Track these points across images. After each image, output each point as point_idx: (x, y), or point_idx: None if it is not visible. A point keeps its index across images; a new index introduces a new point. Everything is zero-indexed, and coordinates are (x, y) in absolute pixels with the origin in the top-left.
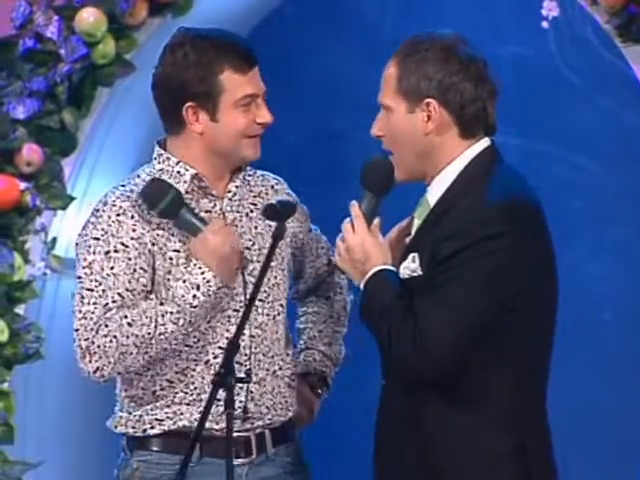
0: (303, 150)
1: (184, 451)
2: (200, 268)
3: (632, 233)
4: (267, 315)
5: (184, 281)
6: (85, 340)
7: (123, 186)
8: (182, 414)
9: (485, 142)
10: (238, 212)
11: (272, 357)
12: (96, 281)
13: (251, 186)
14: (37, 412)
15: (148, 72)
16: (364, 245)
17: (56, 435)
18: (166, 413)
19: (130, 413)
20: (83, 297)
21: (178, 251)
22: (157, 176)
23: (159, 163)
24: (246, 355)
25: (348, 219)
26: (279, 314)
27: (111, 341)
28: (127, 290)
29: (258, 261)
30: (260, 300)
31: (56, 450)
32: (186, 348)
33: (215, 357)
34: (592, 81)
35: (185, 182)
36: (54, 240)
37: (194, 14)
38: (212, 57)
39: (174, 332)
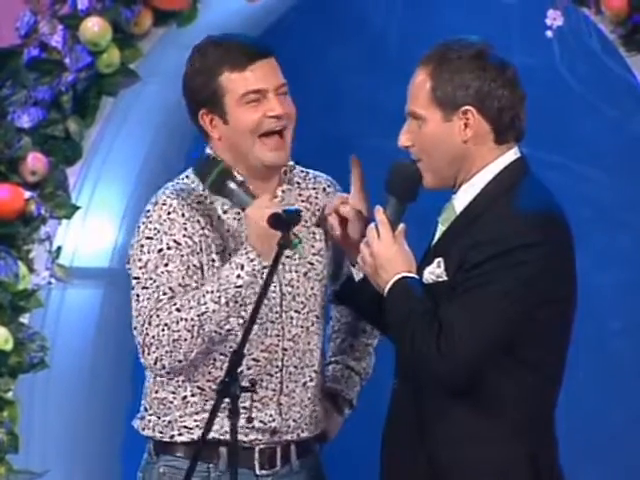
0: (308, 158)
1: (212, 460)
2: (245, 248)
3: (639, 242)
4: (301, 327)
5: (230, 262)
6: (140, 334)
7: (172, 185)
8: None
9: (515, 153)
10: None
11: (302, 369)
12: (150, 279)
13: (301, 189)
14: (42, 421)
15: (153, 81)
16: (388, 251)
17: (61, 444)
18: (195, 421)
19: (159, 417)
20: (138, 295)
21: (221, 252)
22: None
23: None
24: (277, 367)
25: (373, 224)
26: (313, 324)
27: (163, 330)
28: (180, 285)
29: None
30: (296, 311)
31: (61, 459)
32: (221, 357)
33: (249, 368)
34: (597, 90)
35: None
36: (59, 249)
37: (199, 23)
38: (211, 61)
39: (216, 311)
